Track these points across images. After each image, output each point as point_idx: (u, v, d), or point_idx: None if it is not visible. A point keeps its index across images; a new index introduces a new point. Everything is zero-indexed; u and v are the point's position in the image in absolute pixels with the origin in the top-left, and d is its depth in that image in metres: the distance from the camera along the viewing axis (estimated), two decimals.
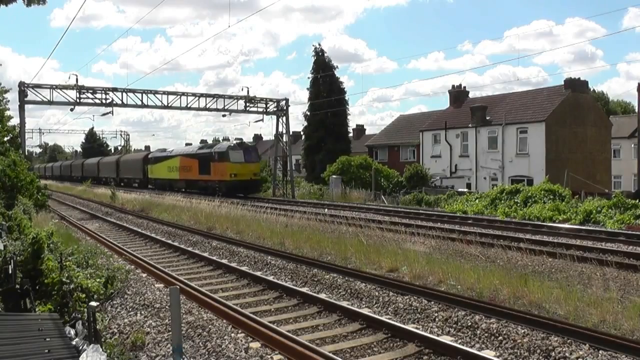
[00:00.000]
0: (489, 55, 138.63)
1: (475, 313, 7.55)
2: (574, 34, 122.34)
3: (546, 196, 21.77)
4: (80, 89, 41.99)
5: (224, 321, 7.62)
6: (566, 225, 17.41)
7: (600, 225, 17.40)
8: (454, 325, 7.38)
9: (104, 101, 42.96)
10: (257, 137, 74.57)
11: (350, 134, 52.74)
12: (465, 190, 31.65)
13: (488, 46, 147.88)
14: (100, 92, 41.30)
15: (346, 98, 48.95)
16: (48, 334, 4.73)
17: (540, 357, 6.17)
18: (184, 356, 5.82)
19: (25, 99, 39.56)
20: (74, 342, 4.78)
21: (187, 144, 48.85)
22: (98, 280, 8.68)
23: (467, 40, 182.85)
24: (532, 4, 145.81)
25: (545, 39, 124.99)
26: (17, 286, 6.67)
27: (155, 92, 44.57)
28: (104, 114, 45.49)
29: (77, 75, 39.87)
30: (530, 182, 31.06)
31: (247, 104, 48.03)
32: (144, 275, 11.04)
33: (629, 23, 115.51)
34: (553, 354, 6.14)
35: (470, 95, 43.13)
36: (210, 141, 48.21)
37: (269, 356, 6.30)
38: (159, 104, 45.54)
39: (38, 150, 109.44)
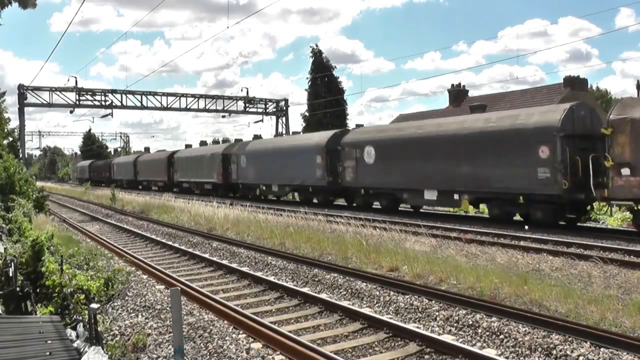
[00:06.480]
0: (485, 55, 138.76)
1: (476, 312, 7.54)
2: (568, 33, 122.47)
3: None
4: (79, 91, 41.94)
5: (225, 322, 7.62)
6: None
7: (601, 223, 17.38)
8: (455, 324, 7.38)
9: (103, 103, 42.88)
10: (257, 138, 74.41)
11: None
12: None
13: (483, 46, 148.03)
14: (99, 94, 41.31)
15: (344, 98, 49.00)
16: (49, 337, 4.74)
17: (542, 355, 6.17)
18: (185, 357, 5.82)
19: (25, 101, 39.48)
20: (75, 344, 4.79)
21: (186, 145, 48.31)
22: (99, 282, 8.70)
23: (461, 41, 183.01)
24: (526, 3, 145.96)
25: (540, 39, 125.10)
26: (18, 289, 6.69)
27: (154, 94, 44.65)
28: (103, 116, 45.56)
29: (76, 78, 39.83)
30: None
31: (247, 105, 48.12)
32: (145, 276, 11.03)
33: (621, 22, 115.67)
34: (554, 352, 6.14)
35: (470, 94, 43.07)
36: (209, 142, 47.87)
37: (270, 356, 6.30)
38: (159, 105, 45.62)
39: (38, 152, 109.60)
